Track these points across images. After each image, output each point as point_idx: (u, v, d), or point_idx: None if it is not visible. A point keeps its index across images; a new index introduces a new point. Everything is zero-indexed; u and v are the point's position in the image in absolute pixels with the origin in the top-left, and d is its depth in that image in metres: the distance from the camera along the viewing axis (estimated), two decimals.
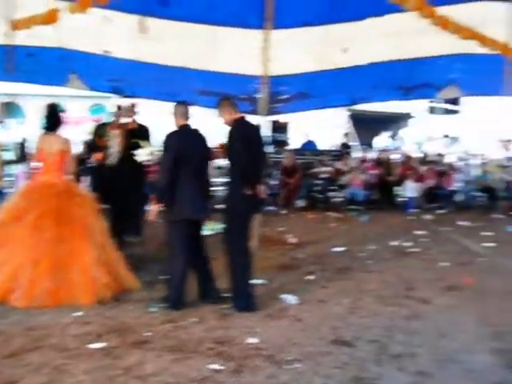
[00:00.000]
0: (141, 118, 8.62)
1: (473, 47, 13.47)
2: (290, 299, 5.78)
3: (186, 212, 5.46)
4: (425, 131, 21.33)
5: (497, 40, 13.21)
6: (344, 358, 4.33)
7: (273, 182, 13.02)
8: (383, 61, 14.84)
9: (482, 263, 8.10)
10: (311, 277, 6.86)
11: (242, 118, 5.75)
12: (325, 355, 4.38)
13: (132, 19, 11.02)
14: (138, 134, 7.94)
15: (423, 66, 15.64)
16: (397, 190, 14.32)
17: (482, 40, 13.18)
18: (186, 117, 5.70)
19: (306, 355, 4.35)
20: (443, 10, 11.89)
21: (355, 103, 17.30)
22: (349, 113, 18.73)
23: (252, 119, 6.33)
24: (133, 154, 7.36)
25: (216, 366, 4.07)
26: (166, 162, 5.47)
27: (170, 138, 5.58)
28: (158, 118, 12.17)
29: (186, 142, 5.58)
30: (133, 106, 8.59)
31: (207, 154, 5.92)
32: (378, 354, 4.45)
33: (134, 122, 8.34)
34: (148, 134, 8.45)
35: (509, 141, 17.78)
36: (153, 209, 5.59)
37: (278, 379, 3.92)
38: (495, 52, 13.49)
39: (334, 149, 16.56)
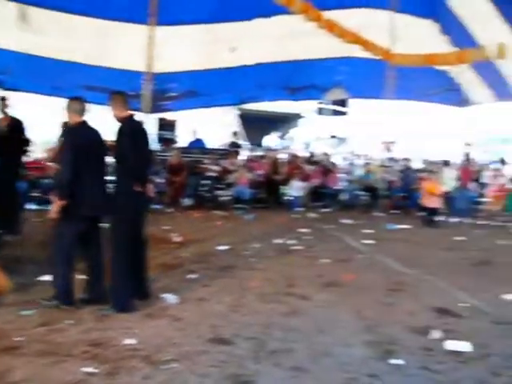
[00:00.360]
0: (16, 112, 8.26)
1: (357, 51, 14.03)
2: (171, 298, 5.70)
3: (86, 208, 5.32)
4: (314, 131, 21.84)
5: (379, 45, 13.81)
6: (222, 356, 4.32)
7: (159, 181, 12.85)
8: (270, 61, 15.13)
9: (361, 260, 8.41)
10: (194, 275, 6.80)
11: (131, 115, 5.65)
12: (202, 354, 4.35)
13: (11, 7, 10.51)
14: (12, 129, 7.60)
15: (309, 68, 16.09)
16: (283, 188, 14.56)
17: (365, 45, 13.71)
18: (82, 113, 5.51)
19: (184, 355, 4.31)
20: (329, 14, 12.26)
21: (243, 102, 17.53)
22: (239, 112, 18.83)
23: (139, 116, 6.22)
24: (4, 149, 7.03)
25: (90, 369, 3.94)
26: (67, 159, 5.27)
27: (69, 134, 5.45)
28: (35, 112, 11.73)
29: (84, 138, 5.42)
30: (3, 99, 8.17)
31: (105, 151, 5.74)
32: (256, 351, 4.48)
33: (6, 117, 7.96)
34: (22, 127, 8.11)
35: (391, 142, 18.57)
36: (55, 206, 5.32)
37: (154, 380, 3.86)
38: (377, 57, 14.11)
39: (222, 147, 16.60)
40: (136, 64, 11.81)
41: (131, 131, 5.48)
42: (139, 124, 5.92)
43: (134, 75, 12.22)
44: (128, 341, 4.51)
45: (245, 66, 14.96)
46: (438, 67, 15.90)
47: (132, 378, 3.86)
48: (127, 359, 4.17)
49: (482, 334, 5.19)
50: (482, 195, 15.34)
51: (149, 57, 10.71)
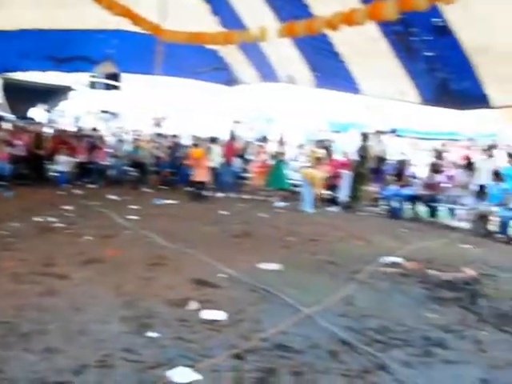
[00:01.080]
0: None
1: (127, 24, 13.83)
2: None
3: None
4: (85, 105, 21.29)
5: (149, 20, 13.74)
6: None
7: None
8: (35, 28, 14.29)
9: (125, 236, 8.40)
10: None
11: None
12: None
13: None
14: None
15: (78, 39, 15.51)
16: (48, 164, 13.95)
17: (135, 18, 13.57)
18: None
19: None
20: None
21: (6, 71, 16.41)
22: (2, 81, 17.58)
23: None
24: None
25: None
26: None
27: None
28: None
29: None
30: None
31: None
32: (5, 335, 4.25)
33: None
34: None
35: (161, 118, 18.74)
36: None
37: None
38: (147, 32, 14.06)
39: None
40: None
41: None
42: None
43: None
44: None
45: (6, 31, 13.97)
46: (207, 46, 16.26)
47: None
48: None
49: (237, 302, 5.50)
50: (246, 171, 16.10)
51: None
